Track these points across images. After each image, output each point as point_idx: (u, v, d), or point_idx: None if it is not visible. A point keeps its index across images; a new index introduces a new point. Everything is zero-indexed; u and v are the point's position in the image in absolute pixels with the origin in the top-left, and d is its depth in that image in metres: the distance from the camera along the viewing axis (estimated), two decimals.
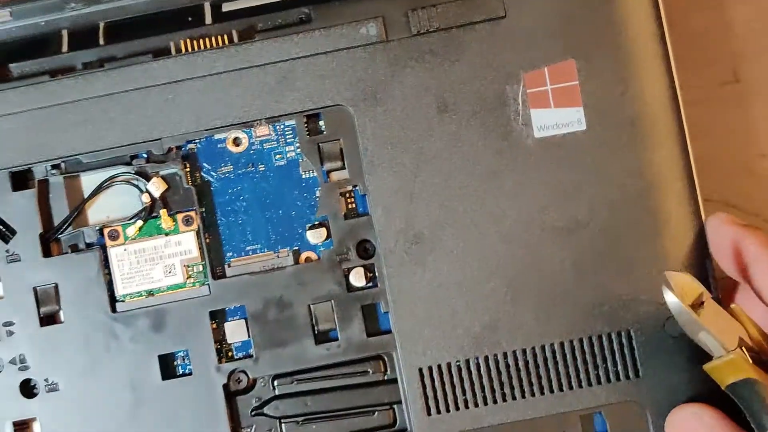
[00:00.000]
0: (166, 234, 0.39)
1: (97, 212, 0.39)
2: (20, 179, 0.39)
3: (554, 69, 0.38)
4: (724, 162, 0.45)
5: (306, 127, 0.38)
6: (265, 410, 0.38)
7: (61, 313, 0.38)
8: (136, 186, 0.39)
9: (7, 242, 0.38)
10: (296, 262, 0.39)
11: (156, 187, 0.38)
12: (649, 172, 0.38)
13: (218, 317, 0.38)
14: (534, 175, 0.38)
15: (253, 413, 0.38)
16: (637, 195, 0.38)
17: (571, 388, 0.37)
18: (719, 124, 0.45)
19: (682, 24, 0.41)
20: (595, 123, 0.38)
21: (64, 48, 0.39)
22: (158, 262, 0.38)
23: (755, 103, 0.46)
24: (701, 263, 0.38)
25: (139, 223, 0.38)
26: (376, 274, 0.38)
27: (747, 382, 0.33)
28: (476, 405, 0.37)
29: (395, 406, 0.38)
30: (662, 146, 0.38)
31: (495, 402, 0.37)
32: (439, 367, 0.37)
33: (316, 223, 0.39)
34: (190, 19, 0.39)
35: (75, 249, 0.39)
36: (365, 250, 0.38)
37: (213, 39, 0.38)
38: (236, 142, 0.39)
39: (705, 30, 0.46)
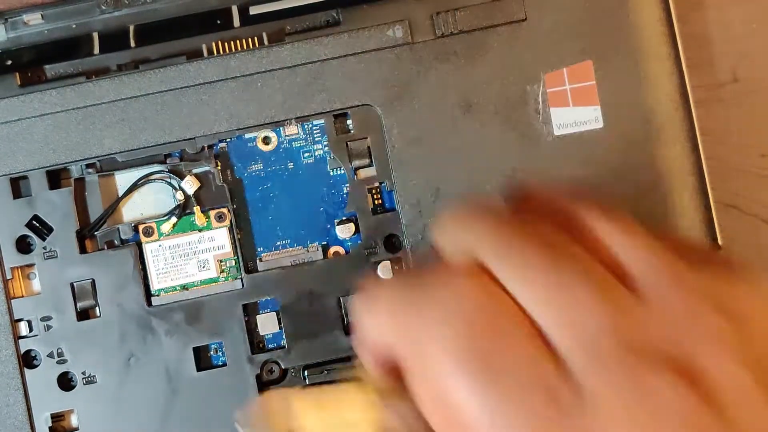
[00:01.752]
0: (200, 230, 0.40)
1: (131, 210, 0.40)
2: (56, 178, 0.40)
3: (573, 69, 0.39)
4: (723, 162, 0.45)
5: (334, 126, 0.40)
6: None
7: (98, 307, 0.39)
8: (170, 184, 0.40)
9: (44, 239, 0.39)
10: (325, 256, 0.40)
11: (190, 184, 0.39)
12: (662, 167, 0.39)
13: (250, 310, 0.40)
14: (554, 170, 0.39)
15: None
16: (652, 189, 0.39)
17: None
18: (718, 124, 0.46)
19: (681, 24, 0.41)
20: (611, 121, 0.39)
21: (96, 50, 0.40)
22: (192, 258, 0.40)
23: (755, 103, 0.47)
24: None
25: (174, 219, 0.39)
26: (403, 267, 0.39)
27: None
28: None
29: None
30: (675, 142, 0.40)
31: None
32: None
33: (345, 218, 0.40)
34: (218, 22, 0.40)
35: (111, 245, 0.40)
36: (392, 245, 0.40)
37: (244, 41, 0.40)
38: (266, 141, 0.40)
39: (705, 30, 0.47)
